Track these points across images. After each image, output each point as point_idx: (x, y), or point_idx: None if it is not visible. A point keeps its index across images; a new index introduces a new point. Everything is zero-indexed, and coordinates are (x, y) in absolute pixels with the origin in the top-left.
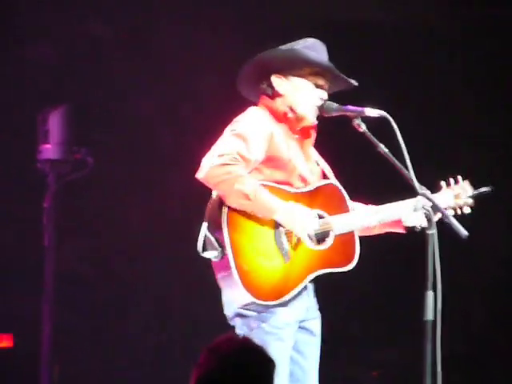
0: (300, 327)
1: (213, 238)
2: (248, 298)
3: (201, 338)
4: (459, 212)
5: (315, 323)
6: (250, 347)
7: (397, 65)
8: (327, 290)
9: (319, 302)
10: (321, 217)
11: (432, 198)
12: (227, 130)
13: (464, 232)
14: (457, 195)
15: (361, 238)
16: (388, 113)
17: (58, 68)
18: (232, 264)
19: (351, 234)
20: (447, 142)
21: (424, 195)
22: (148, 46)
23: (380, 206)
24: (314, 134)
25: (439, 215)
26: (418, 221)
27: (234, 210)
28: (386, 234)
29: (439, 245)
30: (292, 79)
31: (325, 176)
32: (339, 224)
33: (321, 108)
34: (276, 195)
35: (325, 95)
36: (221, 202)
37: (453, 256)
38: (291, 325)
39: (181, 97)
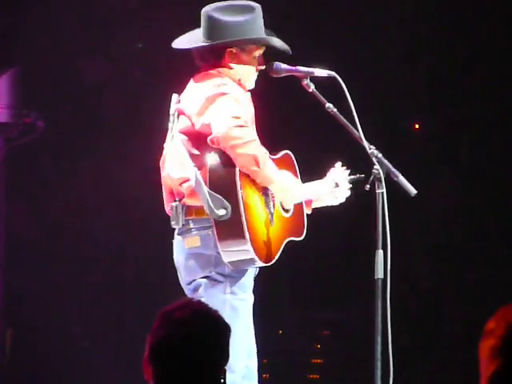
0: None
1: (220, 197)
2: (250, 254)
3: (155, 302)
4: None
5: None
6: (204, 312)
7: (345, 26)
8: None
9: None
10: None
11: (381, 157)
12: (217, 93)
13: (413, 190)
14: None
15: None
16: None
17: (5, 31)
18: (243, 220)
19: (301, 204)
20: (395, 103)
21: (373, 154)
22: (97, 8)
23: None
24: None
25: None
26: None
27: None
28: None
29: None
30: (242, 55)
31: None
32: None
33: (270, 68)
34: None
35: (262, 64)
36: (228, 164)
37: (401, 215)
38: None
39: (131, 61)
